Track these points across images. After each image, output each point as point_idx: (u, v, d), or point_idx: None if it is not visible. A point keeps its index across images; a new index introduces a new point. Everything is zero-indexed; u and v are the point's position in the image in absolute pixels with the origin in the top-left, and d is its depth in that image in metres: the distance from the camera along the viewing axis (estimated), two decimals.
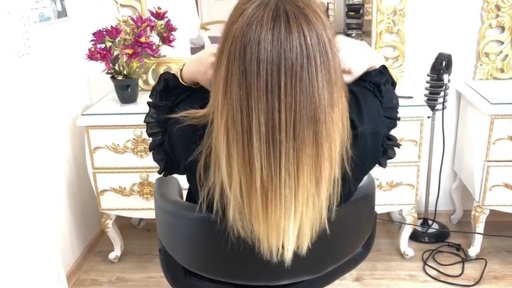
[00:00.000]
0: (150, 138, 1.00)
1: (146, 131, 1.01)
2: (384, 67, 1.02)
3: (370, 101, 0.93)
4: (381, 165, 1.01)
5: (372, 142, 0.91)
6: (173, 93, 0.98)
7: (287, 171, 0.75)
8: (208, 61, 0.91)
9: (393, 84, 1.05)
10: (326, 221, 0.82)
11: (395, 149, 1.02)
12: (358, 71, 0.93)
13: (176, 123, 0.88)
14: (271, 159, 0.74)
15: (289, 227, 0.78)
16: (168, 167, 0.98)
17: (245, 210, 0.80)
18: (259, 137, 0.73)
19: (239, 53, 0.73)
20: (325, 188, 0.80)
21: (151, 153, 1.01)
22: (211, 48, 0.93)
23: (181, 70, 0.99)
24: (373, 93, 0.96)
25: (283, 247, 0.81)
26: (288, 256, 0.82)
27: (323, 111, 0.74)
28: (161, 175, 1.01)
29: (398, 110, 1.02)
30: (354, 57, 0.92)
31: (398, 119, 1.02)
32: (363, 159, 0.89)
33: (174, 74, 1.01)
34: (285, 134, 0.73)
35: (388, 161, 1.01)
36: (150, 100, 1.02)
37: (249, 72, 0.72)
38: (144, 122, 1.01)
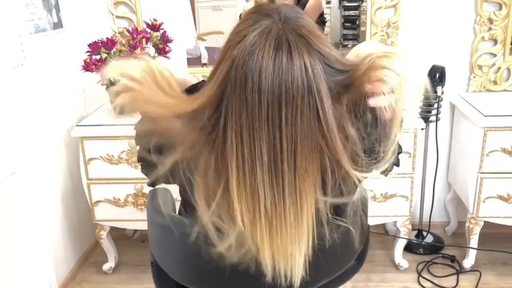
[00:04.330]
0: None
1: (135, 139, 0.99)
2: None
3: None
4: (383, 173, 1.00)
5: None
6: None
7: (291, 198, 0.75)
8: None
9: None
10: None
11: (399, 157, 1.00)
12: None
13: None
14: (274, 188, 0.74)
15: (297, 252, 0.79)
16: (158, 179, 0.97)
17: (247, 236, 0.79)
18: (262, 166, 0.73)
19: (240, 82, 0.72)
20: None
21: (139, 164, 0.99)
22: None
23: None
24: None
25: (291, 271, 0.81)
26: (297, 280, 0.82)
27: (328, 140, 0.74)
28: (150, 187, 1.00)
29: None
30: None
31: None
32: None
33: None
34: (287, 164, 0.73)
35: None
36: None
37: (250, 102, 0.72)
38: (134, 129, 1.01)
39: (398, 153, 0.99)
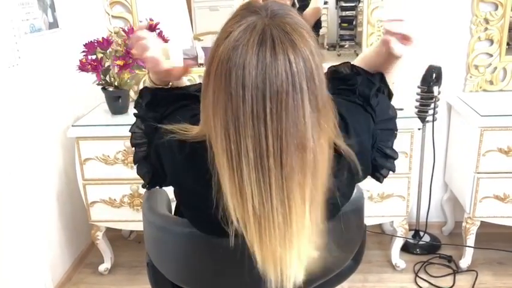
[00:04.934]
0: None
1: (130, 141, 1.00)
2: (382, 75, 1.01)
3: (359, 117, 0.92)
4: (377, 179, 1.00)
5: (359, 160, 0.89)
6: (161, 104, 0.97)
7: (278, 197, 0.73)
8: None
9: (389, 94, 1.04)
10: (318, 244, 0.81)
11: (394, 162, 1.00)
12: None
13: (164, 136, 0.87)
14: (261, 187, 0.73)
15: (286, 255, 0.77)
16: (153, 180, 0.97)
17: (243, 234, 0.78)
18: (248, 162, 0.72)
19: (224, 78, 0.72)
20: (315, 213, 0.78)
21: (135, 166, 0.99)
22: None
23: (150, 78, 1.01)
24: (363, 108, 0.94)
25: (281, 276, 0.79)
26: (290, 285, 0.80)
27: (310, 139, 0.73)
28: (145, 189, 1.00)
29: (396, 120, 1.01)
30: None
31: (396, 129, 1.00)
32: (350, 180, 0.89)
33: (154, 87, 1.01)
34: (274, 160, 0.72)
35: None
36: (137, 111, 1.02)
37: (235, 97, 0.71)
38: (130, 131, 1.00)
39: (386, 167, 0.99)
